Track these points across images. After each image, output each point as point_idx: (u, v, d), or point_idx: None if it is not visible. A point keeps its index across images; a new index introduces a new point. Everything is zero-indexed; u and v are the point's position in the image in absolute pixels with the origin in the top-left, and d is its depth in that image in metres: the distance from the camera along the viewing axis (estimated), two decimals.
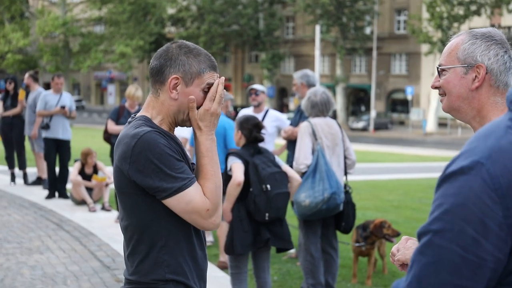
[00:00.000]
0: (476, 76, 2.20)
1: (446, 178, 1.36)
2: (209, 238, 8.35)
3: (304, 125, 5.88)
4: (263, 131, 6.59)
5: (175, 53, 2.36)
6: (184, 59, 2.35)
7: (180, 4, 52.12)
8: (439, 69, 2.30)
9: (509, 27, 44.25)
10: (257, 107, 7.89)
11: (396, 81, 51.41)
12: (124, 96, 9.18)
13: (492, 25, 44.42)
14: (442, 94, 2.29)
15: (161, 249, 2.32)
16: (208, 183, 2.32)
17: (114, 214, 9.58)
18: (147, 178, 2.23)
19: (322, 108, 5.99)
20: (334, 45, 48.32)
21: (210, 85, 2.38)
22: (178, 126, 2.43)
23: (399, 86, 51.11)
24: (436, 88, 2.31)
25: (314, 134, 5.83)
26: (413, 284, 1.34)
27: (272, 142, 7.71)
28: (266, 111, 7.90)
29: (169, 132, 2.37)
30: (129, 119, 2.41)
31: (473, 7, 41.08)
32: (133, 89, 8.99)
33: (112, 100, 55.93)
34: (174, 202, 2.25)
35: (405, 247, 2.23)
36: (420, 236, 1.38)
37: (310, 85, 7.06)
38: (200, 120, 2.35)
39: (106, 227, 8.75)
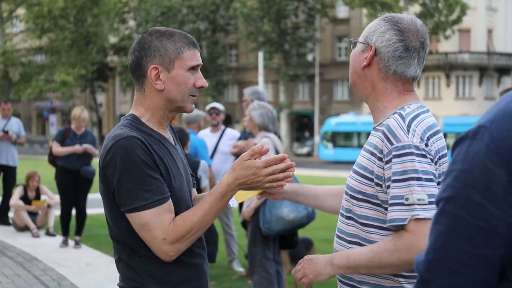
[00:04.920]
0: (367, 56, 2.25)
1: (457, 144, 1.33)
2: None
3: (266, 142, 5.70)
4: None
5: (147, 41, 2.23)
6: (158, 44, 2.21)
7: (122, 33, 51.88)
8: (352, 42, 2.35)
9: (445, 53, 45.42)
10: (215, 126, 7.87)
11: (339, 106, 52.07)
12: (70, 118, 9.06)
13: (430, 51, 45.59)
14: None
15: (141, 258, 2.19)
16: (189, 215, 2.16)
17: (59, 239, 9.33)
18: (113, 185, 2.11)
19: (276, 125, 5.97)
20: (277, 72, 48.73)
21: (195, 67, 2.24)
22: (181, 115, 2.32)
23: (342, 111, 51.81)
24: None
25: (276, 150, 5.74)
26: (430, 254, 1.31)
27: (230, 161, 7.66)
28: (223, 130, 7.88)
29: (157, 133, 2.24)
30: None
31: None
32: (78, 111, 8.86)
33: (54, 130, 54.98)
34: (131, 219, 2.12)
35: (304, 265, 2.30)
36: (436, 204, 1.35)
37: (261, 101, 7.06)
38: (238, 165, 2.17)
39: (51, 252, 8.52)
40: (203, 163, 6.37)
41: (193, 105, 2.32)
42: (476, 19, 45.32)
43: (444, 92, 46.30)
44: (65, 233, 9.08)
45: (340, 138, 41.19)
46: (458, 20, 41.21)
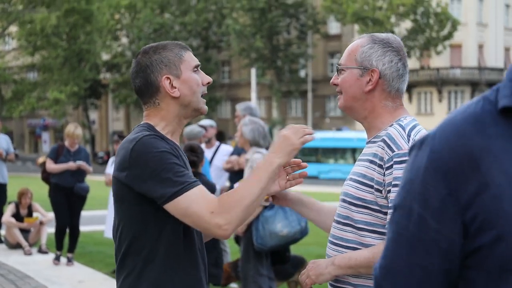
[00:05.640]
0: (370, 79, 2.31)
1: (409, 151, 1.31)
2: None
3: (258, 157, 5.66)
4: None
5: (146, 59, 2.28)
6: (158, 56, 2.27)
7: (115, 50, 51.93)
8: (338, 68, 2.39)
9: (437, 68, 45.65)
10: (208, 142, 7.86)
11: (332, 122, 52.18)
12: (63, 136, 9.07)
13: (422, 67, 45.89)
14: (339, 92, 2.39)
15: (149, 265, 2.18)
16: (234, 190, 2.17)
17: (51, 256, 9.29)
18: (144, 183, 2.10)
19: (267, 140, 5.97)
20: (270, 88, 48.83)
21: (197, 66, 2.31)
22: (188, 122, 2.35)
23: (335, 127, 51.90)
24: (335, 85, 2.41)
25: None
26: (381, 261, 1.31)
27: (224, 177, 7.66)
28: (218, 146, 7.89)
29: (172, 141, 2.27)
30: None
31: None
32: (72, 128, 8.86)
33: (46, 147, 54.86)
34: (172, 207, 2.10)
35: (308, 268, 2.38)
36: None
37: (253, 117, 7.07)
38: (277, 143, 2.23)
39: (43, 269, 8.47)
40: (217, 189, 6.31)
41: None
42: (467, 35, 45.60)
43: (436, 107, 46.47)
44: (59, 247, 9.02)
45: (301, 154, 40.92)
46: (449, 36, 41.49)
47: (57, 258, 8.92)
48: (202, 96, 2.34)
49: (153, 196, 2.11)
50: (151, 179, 2.09)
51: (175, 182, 2.09)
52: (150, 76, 2.26)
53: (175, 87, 2.26)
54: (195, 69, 2.32)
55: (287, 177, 2.38)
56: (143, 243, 2.17)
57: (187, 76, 2.28)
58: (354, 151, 37.03)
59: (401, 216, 1.26)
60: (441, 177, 1.19)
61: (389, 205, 2.16)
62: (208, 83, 2.35)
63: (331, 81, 2.42)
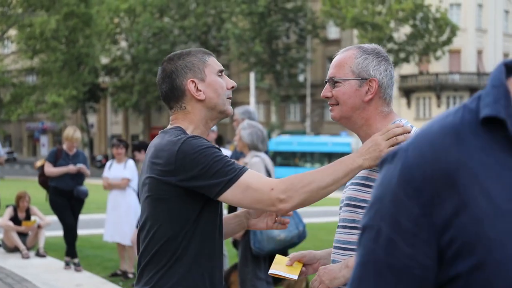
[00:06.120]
0: (369, 89, 2.37)
1: (380, 165, 1.16)
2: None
3: (257, 161, 5.68)
4: None
5: (171, 65, 2.37)
6: (182, 62, 2.36)
7: (114, 54, 51.94)
8: (334, 80, 2.41)
9: (436, 74, 45.70)
10: None
11: (331, 127, 52.19)
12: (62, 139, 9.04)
13: (421, 72, 45.96)
14: (333, 104, 2.42)
15: (181, 262, 2.24)
16: (305, 172, 2.25)
17: (49, 260, 9.27)
18: (196, 180, 2.18)
19: (265, 144, 5.97)
20: (269, 92, 48.85)
21: (221, 71, 2.39)
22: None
23: (333, 132, 51.90)
24: (327, 98, 2.43)
25: (267, 170, 5.71)
26: (349, 287, 1.20)
27: None
28: None
29: None
30: (160, 131, 2.35)
31: (402, 55, 42.34)
32: (71, 131, 8.85)
33: (45, 151, 54.84)
34: (229, 194, 2.19)
35: (319, 274, 2.37)
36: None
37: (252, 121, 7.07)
38: (366, 145, 2.27)
39: (41, 273, 8.46)
40: None
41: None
42: (466, 40, 45.68)
43: (435, 113, 46.51)
44: (74, 254, 8.86)
45: (280, 158, 40.85)
46: (448, 41, 41.52)
47: (70, 264, 8.83)
48: (229, 98, 2.44)
49: (208, 189, 2.19)
50: (204, 174, 2.18)
51: (228, 171, 2.18)
52: (176, 80, 2.35)
53: (200, 90, 2.35)
54: (219, 73, 2.40)
55: (276, 218, 2.51)
56: (179, 241, 2.24)
57: (212, 79, 2.36)
58: (329, 156, 36.89)
59: (369, 239, 1.11)
60: (414, 195, 1.05)
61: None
62: (233, 87, 2.43)
63: (322, 94, 2.43)
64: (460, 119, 1.09)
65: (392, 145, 2.24)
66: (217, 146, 2.27)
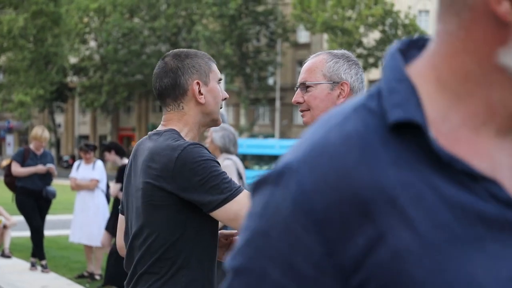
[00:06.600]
0: (340, 92, 2.37)
1: (254, 189, 0.85)
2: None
3: (228, 164, 5.53)
4: None
5: (178, 62, 2.33)
6: (190, 61, 2.33)
7: (83, 54, 51.48)
8: (305, 85, 2.40)
9: None
10: None
11: (299, 131, 52.40)
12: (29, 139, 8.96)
13: None
14: (305, 109, 2.42)
15: (181, 270, 2.20)
16: None
17: (15, 261, 9.17)
18: (192, 192, 2.14)
19: (237, 147, 5.94)
20: (238, 95, 48.87)
21: (220, 79, 2.41)
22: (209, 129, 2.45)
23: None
24: (298, 103, 2.43)
25: (238, 173, 5.63)
26: None
27: None
28: None
29: None
30: (151, 133, 2.30)
31: (371, 60, 42.70)
32: (40, 130, 8.76)
33: (10, 150, 54.08)
34: (222, 213, 2.15)
35: None
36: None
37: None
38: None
39: (6, 274, 8.36)
40: None
41: None
42: None
43: None
44: (42, 256, 8.76)
45: (248, 160, 40.89)
46: None
47: (36, 265, 8.74)
48: (220, 108, 2.44)
49: (201, 204, 2.15)
50: (200, 187, 2.14)
51: (224, 189, 2.14)
52: (181, 78, 2.31)
53: (202, 94, 2.32)
54: (219, 81, 2.40)
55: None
56: (179, 250, 2.20)
57: (214, 85, 2.36)
58: (277, 158, 37.01)
59: (247, 286, 0.80)
60: (315, 230, 0.77)
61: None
62: (225, 98, 2.42)
63: (294, 99, 2.42)
64: (363, 124, 0.81)
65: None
66: (216, 159, 2.22)
